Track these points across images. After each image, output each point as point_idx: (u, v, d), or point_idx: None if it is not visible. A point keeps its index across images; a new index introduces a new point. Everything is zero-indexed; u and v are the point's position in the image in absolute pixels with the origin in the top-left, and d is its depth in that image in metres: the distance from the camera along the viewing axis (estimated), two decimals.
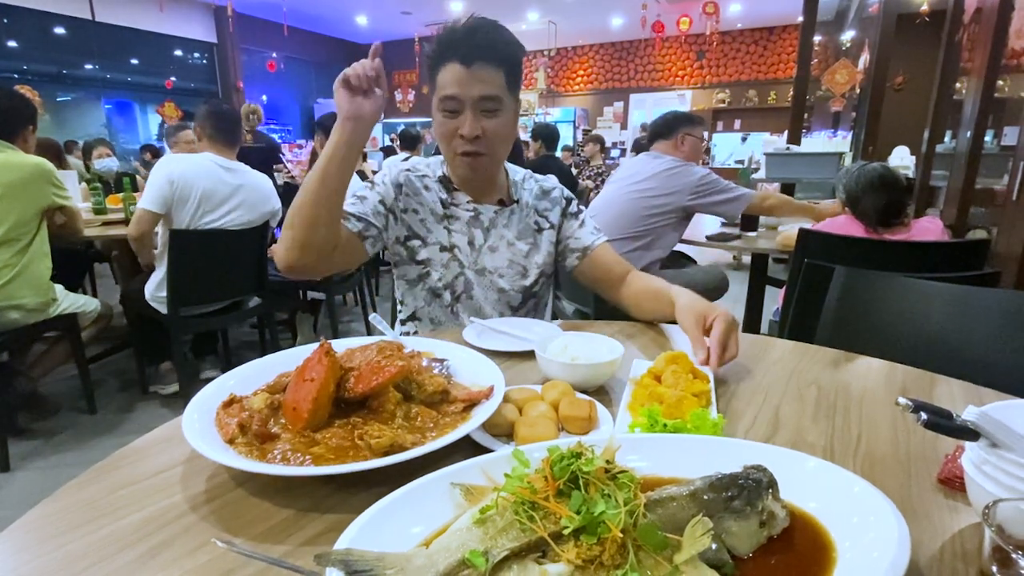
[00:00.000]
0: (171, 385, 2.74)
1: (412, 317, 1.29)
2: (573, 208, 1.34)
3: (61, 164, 3.89)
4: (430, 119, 1.21)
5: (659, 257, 2.50)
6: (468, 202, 1.24)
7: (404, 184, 1.22)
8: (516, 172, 1.33)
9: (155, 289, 2.47)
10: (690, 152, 2.54)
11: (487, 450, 0.66)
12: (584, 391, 0.81)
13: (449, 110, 1.11)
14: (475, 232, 1.24)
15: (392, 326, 1.33)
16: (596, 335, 0.91)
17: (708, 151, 11.60)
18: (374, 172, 5.62)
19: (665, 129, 2.57)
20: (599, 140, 6.93)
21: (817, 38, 6.65)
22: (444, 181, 1.25)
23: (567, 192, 1.35)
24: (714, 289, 2.51)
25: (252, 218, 2.56)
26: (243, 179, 2.53)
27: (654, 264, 2.50)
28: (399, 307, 1.33)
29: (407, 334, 1.25)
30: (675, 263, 2.76)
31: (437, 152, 1.37)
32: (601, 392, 0.85)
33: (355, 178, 3.13)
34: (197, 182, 2.38)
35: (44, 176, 2.20)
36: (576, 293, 2.27)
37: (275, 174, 7.20)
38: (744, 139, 11.31)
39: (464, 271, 1.24)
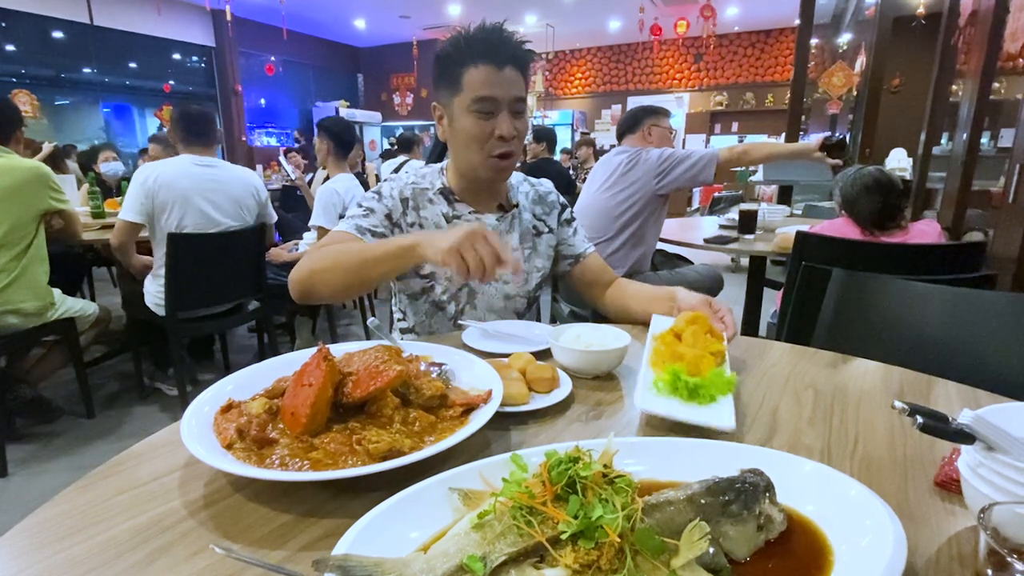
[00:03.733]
0: (175, 388, 2.75)
1: (411, 330, 1.28)
2: (567, 215, 1.37)
3: (59, 168, 3.88)
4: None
5: (644, 254, 2.48)
6: (470, 212, 1.23)
7: (411, 198, 1.20)
8: (512, 176, 1.32)
9: (154, 292, 2.47)
10: (658, 143, 2.52)
11: (482, 440, 0.68)
12: (596, 376, 0.91)
13: (485, 111, 1.10)
14: None
15: (390, 330, 1.33)
16: (603, 326, 0.98)
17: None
18: (376, 176, 5.63)
19: (632, 123, 2.57)
20: (591, 143, 7.08)
21: (814, 41, 6.66)
22: (445, 192, 1.22)
23: (561, 199, 1.37)
24: (708, 288, 2.51)
25: (239, 211, 2.56)
26: (223, 173, 2.54)
27: (643, 263, 2.49)
28: (397, 319, 1.32)
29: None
30: (670, 264, 2.77)
31: (438, 158, 1.36)
32: (610, 377, 0.91)
33: (354, 181, 3.13)
34: (176, 184, 2.39)
35: (41, 180, 2.20)
36: (575, 296, 2.27)
37: (273, 176, 7.20)
38: (740, 140, 11.35)
39: (469, 282, 1.23)
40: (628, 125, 2.58)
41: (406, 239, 0.96)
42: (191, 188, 2.41)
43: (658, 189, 2.38)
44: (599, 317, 1.37)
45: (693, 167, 2.33)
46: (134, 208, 2.37)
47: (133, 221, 2.39)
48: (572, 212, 1.38)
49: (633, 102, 11.99)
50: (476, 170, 1.17)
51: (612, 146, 2.65)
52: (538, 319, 1.36)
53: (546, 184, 1.38)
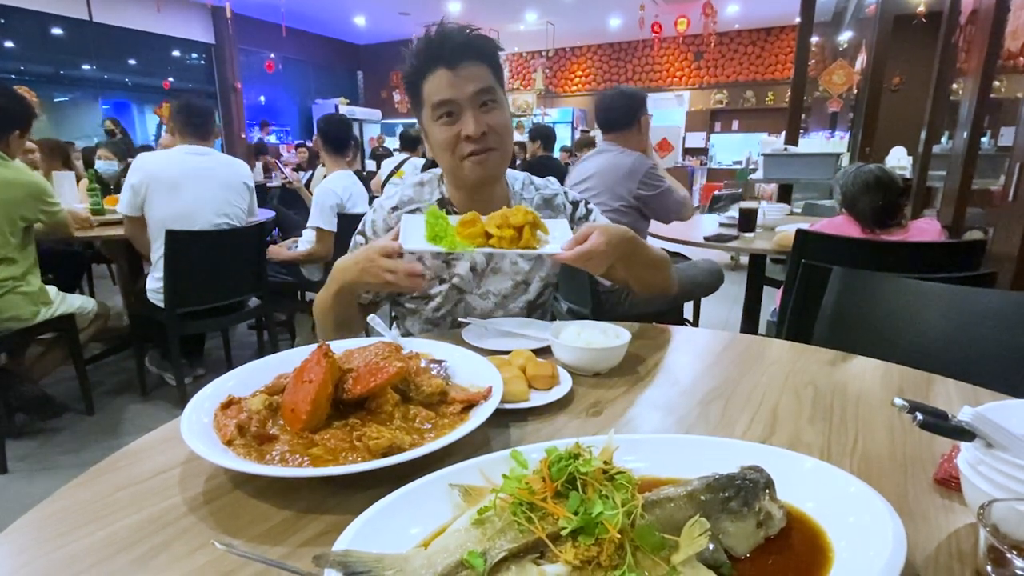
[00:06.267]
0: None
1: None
2: (582, 211, 1.28)
3: (68, 165, 3.88)
4: None
5: None
6: None
7: (395, 226, 1.13)
8: (515, 180, 1.26)
9: (154, 288, 2.48)
10: (646, 130, 2.38)
11: (483, 437, 0.68)
12: (596, 373, 0.91)
13: (446, 114, 1.06)
14: (477, 257, 1.18)
15: (390, 327, 1.33)
16: (603, 323, 0.98)
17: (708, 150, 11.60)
18: (371, 173, 5.62)
19: (629, 116, 2.33)
20: (593, 143, 7.16)
21: (814, 39, 6.66)
22: (444, 204, 1.18)
23: (572, 195, 1.29)
24: (710, 284, 2.49)
25: (228, 198, 2.58)
26: (214, 161, 2.59)
27: None
28: (393, 325, 1.30)
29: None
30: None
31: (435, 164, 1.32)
32: (610, 374, 0.91)
33: (353, 179, 3.11)
34: (162, 174, 2.44)
35: (36, 196, 2.21)
36: (573, 293, 2.27)
37: (272, 175, 7.19)
38: (708, 139, 11.39)
39: (465, 297, 1.20)
40: (624, 119, 2.34)
41: (334, 284, 1.04)
42: (179, 176, 2.46)
43: (639, 195, 2.26)
44: (599, 314, 1.36)
45: (668, 192, 2.28)
46: (127, 203, 2.46)
47: (129, 215, 2.47)
48: (588, 205, 1.29)
49: None
50: (459, 177, 1.13)
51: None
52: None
53: (553, 185, 1.29)
